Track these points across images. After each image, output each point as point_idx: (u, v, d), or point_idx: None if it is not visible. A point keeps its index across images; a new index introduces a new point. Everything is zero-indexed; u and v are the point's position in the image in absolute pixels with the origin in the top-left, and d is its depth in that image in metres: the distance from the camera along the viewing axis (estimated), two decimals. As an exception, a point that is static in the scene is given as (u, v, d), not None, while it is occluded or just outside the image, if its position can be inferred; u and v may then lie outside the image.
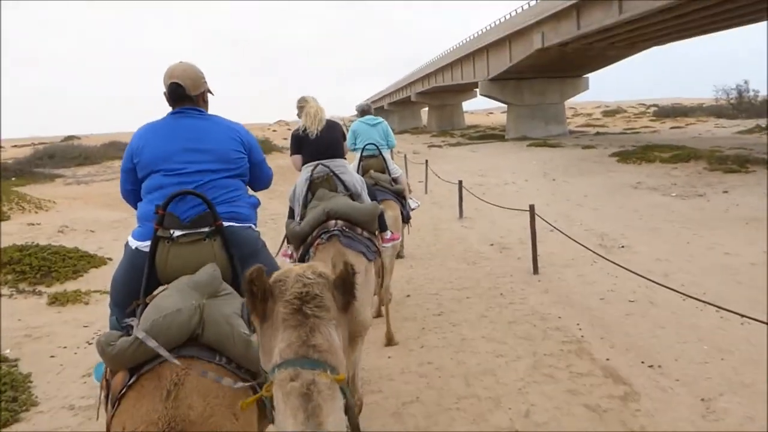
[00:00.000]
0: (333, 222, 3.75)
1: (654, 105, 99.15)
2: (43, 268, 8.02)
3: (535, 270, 7.15)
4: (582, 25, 26.46)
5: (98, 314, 6.54)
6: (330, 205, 3.84)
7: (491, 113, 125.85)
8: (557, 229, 7.38)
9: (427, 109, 72.93)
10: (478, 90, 42.39)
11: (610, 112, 75.63)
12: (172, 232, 2.35)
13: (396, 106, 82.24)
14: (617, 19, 23.52)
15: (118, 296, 2.40)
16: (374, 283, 3.89)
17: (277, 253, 4.65)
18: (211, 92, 2.74)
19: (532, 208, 7.23)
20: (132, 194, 2.68)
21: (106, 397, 2.06)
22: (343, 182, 4.19)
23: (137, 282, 2.30)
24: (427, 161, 16.20)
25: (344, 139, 4.56)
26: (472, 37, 43.77)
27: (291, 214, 4.34)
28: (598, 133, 37.99)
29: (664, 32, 28.22)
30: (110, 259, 9.15)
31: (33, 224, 12.85)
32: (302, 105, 4.56)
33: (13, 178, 24.46)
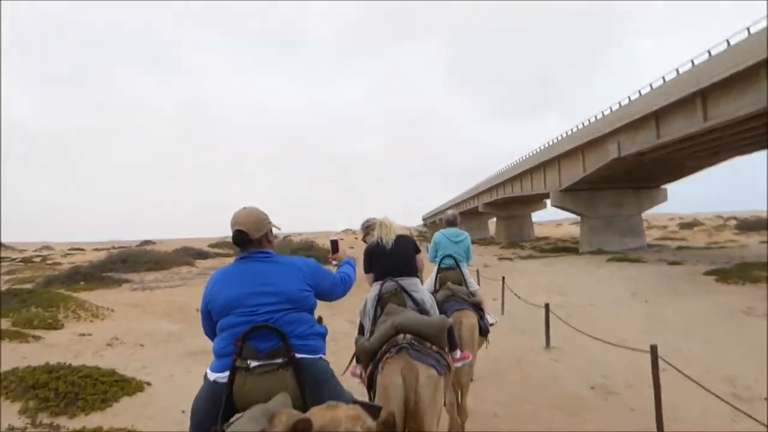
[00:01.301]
0: (402, 336, 3.78)
1: (732, 218, 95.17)
2: (69, 394, 6.97)
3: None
4: (662, 134, 25.19)
5: (113, 466, 5.35)
6: (399, 319, 3.87)
7: (560, 225, 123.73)
8: (681, 373, 5.79)
9: (494, 219, 71.84)
10: (549, 201, 41.08)
11: (687, 225, 72.88)
12: (249, 362, 2.54)
13: (463, 216, 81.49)
14: (702, 127, 22.14)
15: (199, 425, 2.57)
16: (443, 398, 3.80)
17: (345, 371, 4.39)
18: (277, 227, 2.98)
19: (654, 349, 5.69)
20: (212, 331, 2.88)
21: None
22: (412, 298, 4.20)
23: (215, 411, 2.47)
24: (503, 278, 14.75)
25: (417, 252, 4.57)
26: (542, 148, 43.09)
27: (361, 329, 4.36)
28: (680, 248, 35.61)
29: (751, 141, 26.50)
30: (148, 383, 8.04)
31: (84, 335, 12.06)
32: (370, 224, 4.63)
33: (82, 282, 24.45)
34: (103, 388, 7.31)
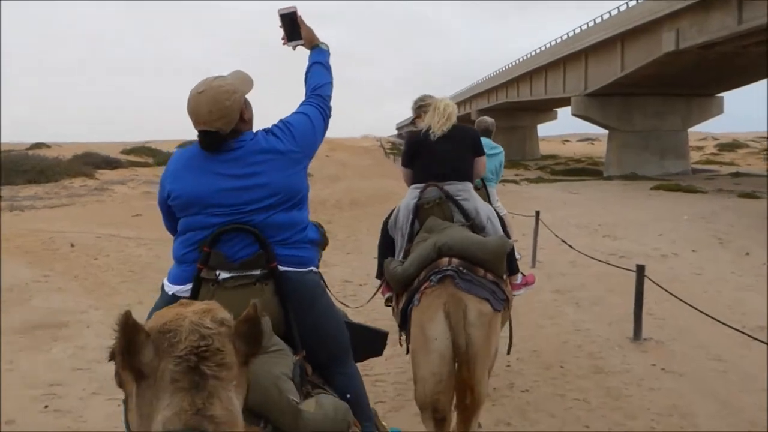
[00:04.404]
0: (446, 260, 3.63)
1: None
2: None
3: None
4: (746, 17, 22.17)
5: None
6: (443, 238, 3.74)
7: (567, 141, 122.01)
8: None
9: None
10: (563, 110, 38.48)
11: (727, 146, 71.57)
12: (218, 273, 2.48)
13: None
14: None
15: None
16: (496, 347, 3.70)
17: (374, 294, 4.48)
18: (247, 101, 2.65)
19: None
20: (176, 228, 2.73)
21: None
22: (462, 209, 4.07)
23: None
24: (538, 213, 11.94)
25: (476, 152, 4.39)
26: (563, 39, 40.05)
27: (386, 248, 4.29)
28: (736, 174, 33.76)
29: None
30: None
31: None
32: (424, 103, 4.52)
33: None
34: None
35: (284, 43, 3.07)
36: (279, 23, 3.03)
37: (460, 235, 3.76)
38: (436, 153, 4.13)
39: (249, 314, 1.61)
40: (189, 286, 2.49)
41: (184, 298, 2.44)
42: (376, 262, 4.53)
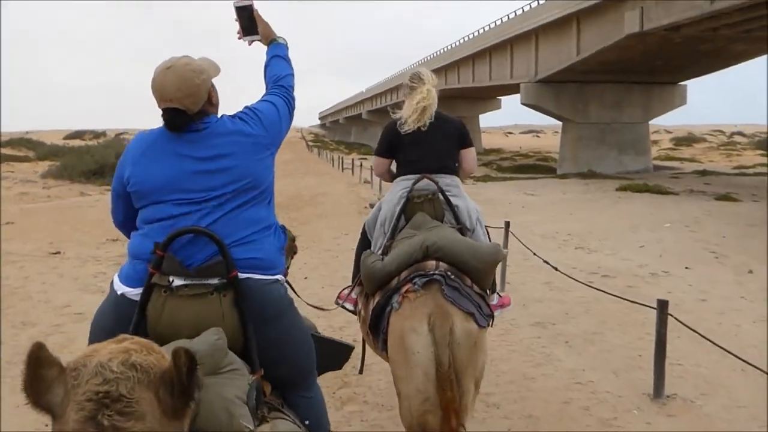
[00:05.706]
0: (433, 263, 3.68)
1: (738, 133, 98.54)
2: None
3: None
4: (721, -6, 22.04)
5: None
6: (432, 237, 3.78)
7: (510, 133, 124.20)
8: None
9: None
10: (519, 96, 38.50)
11: (684, 140, 74.22)
12: (171, 279, 2.50)
13: (379, 115, 78.50)
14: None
15: None
16: (483, 363, 3.68)
17: (339, 298, 4.48)
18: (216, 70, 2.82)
19: None
20: (128, 226, 2.84)
21: None
22: (453, 208, 4.17)
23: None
24: (507, 224, 11.01)
25: (463, 143, 4.48)
26: (509, 17, 40.15)
27: (365, 244, 4.34)
28: (703, 173, 34.19)
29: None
30: None
31: None
32: (414, 85, 4.40)
33: None
34: None
35: (240, 38, 3.29)
36: (234, 16, 3.24)
37: (452, 237, 3.82)
38: (419, 146, 4.21)
39: (172, 365, 1.55)
40: (140, 290, 2.50)
41: (133, 301, 2.50)
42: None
